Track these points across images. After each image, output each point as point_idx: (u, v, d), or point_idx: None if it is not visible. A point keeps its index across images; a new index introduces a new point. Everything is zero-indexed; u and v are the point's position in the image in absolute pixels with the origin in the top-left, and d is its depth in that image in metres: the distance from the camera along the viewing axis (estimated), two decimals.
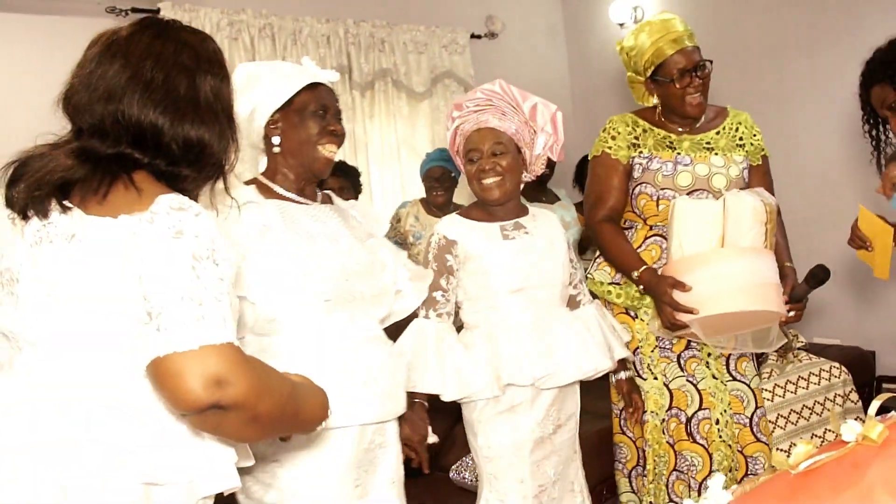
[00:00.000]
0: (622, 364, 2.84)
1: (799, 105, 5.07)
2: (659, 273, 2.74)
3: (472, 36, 6.11)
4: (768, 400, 3.77)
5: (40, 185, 1.44)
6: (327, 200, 2.35)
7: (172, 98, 1.50)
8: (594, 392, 2.98)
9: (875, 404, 1.50)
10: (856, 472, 1.33)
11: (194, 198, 1.55)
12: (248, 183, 2.22)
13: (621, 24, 6.10)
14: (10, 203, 1.47)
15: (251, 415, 1.38)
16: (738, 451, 2.90)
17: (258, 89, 2.19)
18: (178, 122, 1.50)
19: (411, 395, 2.40)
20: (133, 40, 1.52)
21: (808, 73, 5.03)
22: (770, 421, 3.69)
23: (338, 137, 2.23)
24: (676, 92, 2.86)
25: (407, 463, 2.40)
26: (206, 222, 1.43)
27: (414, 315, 2.53)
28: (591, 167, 3.04)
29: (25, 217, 1.45)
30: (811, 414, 3.84)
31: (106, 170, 1.45)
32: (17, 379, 1.45)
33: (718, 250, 2.64)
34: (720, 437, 2.87)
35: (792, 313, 2.74)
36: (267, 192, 2.20)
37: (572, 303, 2.75)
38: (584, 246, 5.11)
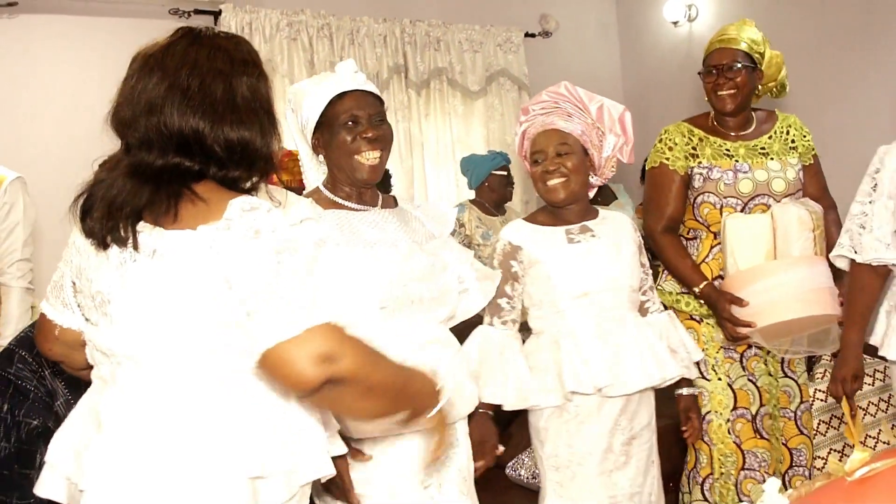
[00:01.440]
0: (686, 381, 2.72)
1: (855, 100, 5.02)
2: (718, 288, 2.82)
3: (527, 35, 6.18)
4: (821, 400, 3.78)
5: (111, 216, 1.50)
6: (391, 203, 2.36)
7: (210, 102, 1.54)
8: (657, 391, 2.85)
9: None
10: None
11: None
12: (309, 194, 2.26)
13: (675, 23, 6.10)
14: (88, 234, 1.55)
15: (366, 386, 1.47)
16: (783, 443, 2.97)
17: (301, 110, 2.24)
18: (217, 126, 1.53)
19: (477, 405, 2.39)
20: (168, 51, 1.56)
21: (863, 68, 4.99)
22: (824, 421, 3.71)
23: (375, 142, 2.19)
24: (706, 86, 2.99)
25: None
26: (277, 216, 1.50)
27: (479, 321, 2.53)
28: (648, 177, 3.10)
29: (105, 246, 1.52)
30: (864, 414, 3.83)
31: (169, 190, 1.51)
32: (121, 392, 1.54)
33: (770, 263, 2.72)
34: (771, 430, 2.97)
35: None
36: (327, 203, 2.23)
37: (641, 310, 2.68)
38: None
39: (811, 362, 3.95)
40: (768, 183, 2.90)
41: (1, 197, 3.26)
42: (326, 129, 2.19)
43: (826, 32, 5.15)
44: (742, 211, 2.90)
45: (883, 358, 2.70)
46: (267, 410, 1.54)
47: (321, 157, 2.29)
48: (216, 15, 5.08)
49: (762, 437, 2.94)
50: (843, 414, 3.76)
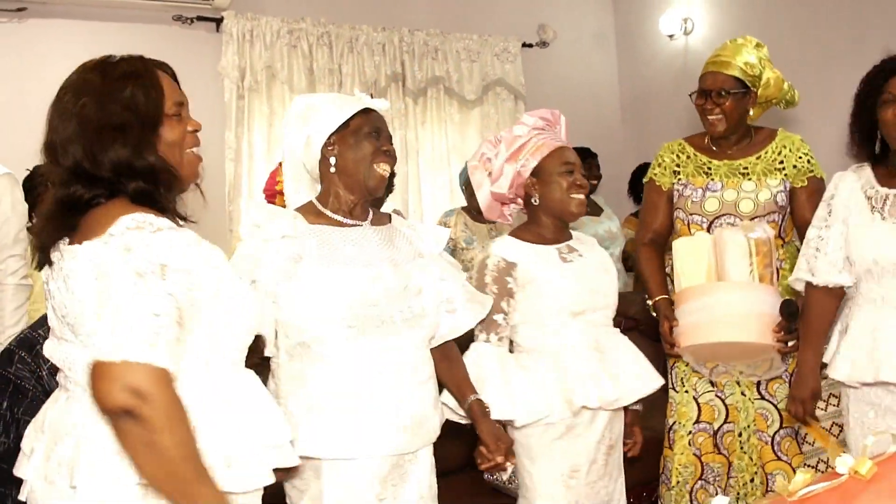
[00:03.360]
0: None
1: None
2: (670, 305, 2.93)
3: (524, 45, 6.25)
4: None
5: (37, 243, 1.65)
6: (382, 220, 2.42)
7: (88, 128, 1.59)
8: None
9: (871, 439, 1.63)
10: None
11: (173, 210, 1.68)
12: (299, 209, 2.33)
13: (671, 36, 6.17)
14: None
15: (152, 438, 1.45)
16: (760, 466, 3.05)
17: (315, 117, 2.30)
18: (99, 150, 1.58)
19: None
20: (63, 88, 1.66)
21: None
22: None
23: (390, 157, 2.32)
24: (697, 108, 3.08)
25: (444, 461, 2.45)
26: (165, 238, 1.54)
27: (471, 338, 2.59)
28: (644, 192, 3.29)
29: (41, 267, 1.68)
30: (839, 433, 3.91)
31: (74, 214, 1.60)
32: (54, 399, 1.72)
33: (700, 285, 2.81)
34: (741, 448, 3.05)
35: (791, 343, 2.77)
36: (314, 216, 2.29)
37: None
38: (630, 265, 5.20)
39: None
40: (736, 203, 2.99)
41: None
42: (350, 135, 2.28)
43: (820, 46, 5.20)
44: (708, 229, 2.99)
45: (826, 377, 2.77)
46: None
47: (317, 170, 2.34)
48: (218, 22, 5.19)
49: (719, 453, 3.05)
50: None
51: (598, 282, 2.65)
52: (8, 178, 3.34)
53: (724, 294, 2.75)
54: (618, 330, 2.75)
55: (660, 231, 3.16)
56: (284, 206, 3.73)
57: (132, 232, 1.52)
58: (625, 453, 2.77)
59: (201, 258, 1.61)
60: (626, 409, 2.76)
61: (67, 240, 1.59)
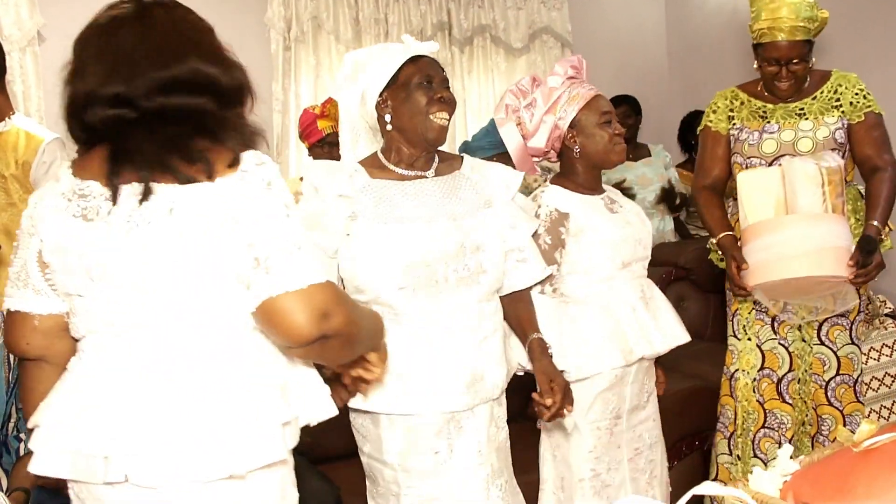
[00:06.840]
0: None
1: None
2: (735, 243, 2.92)
3: None
4: (875, 360, 3.82)
5: (128, 175, 1.50)
6: (452, 166, 2.37)
7: (214, 50, 1.63)
8: (682, 352, 2.88)
9: None
10: None
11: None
12: (363, 161, 2.31)
13: None
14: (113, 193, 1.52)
15: (347, 339, 1.57)
16: (813, 408, 3.09)
17: (364, 74, 2.27)
18: (226, 70, 1.62)
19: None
20: (147, 14, 1.58)
21: None
22: (877, 378, 3.77)
23: (447, 104, 2.25)
24: (765, 74, 3.03)
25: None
26: (279, 173, 1.59)
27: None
28: (699, 140, 3.27)
29: (94, 216, 1.51)
30: (893, 382, 3.89)
31: (177, 144, 1.52)
32: (132, 359, 1.54)
33: (769, 220, 2.78)
34: (799, 394, 3.09)
35: (861, 278, 2.75)
36: (378, 169, 2.27)
37: None
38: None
39: (868, 324, 4.00)
40: (794, 143, 2.98)
41: (40, 157, 3.37)
42: (401, 89, 2.24)
43: None
44: None
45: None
46: (281, 359, 1.63)
47: (378, 125, 2.32)
48: None
49: (785, 402, 3.06)
50: (871, 380, 3.82)
51: (641, 233, 2.67)
52: (57, 143, 3.44)
53: (794, 228, 2.73)
54: (650, 280, 2.75)
55: (719, 177, 3.17)
56: (321, 135, 3.75)
57: (262, 168, 1.55)
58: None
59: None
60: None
61: (163, 183, 1.49)
